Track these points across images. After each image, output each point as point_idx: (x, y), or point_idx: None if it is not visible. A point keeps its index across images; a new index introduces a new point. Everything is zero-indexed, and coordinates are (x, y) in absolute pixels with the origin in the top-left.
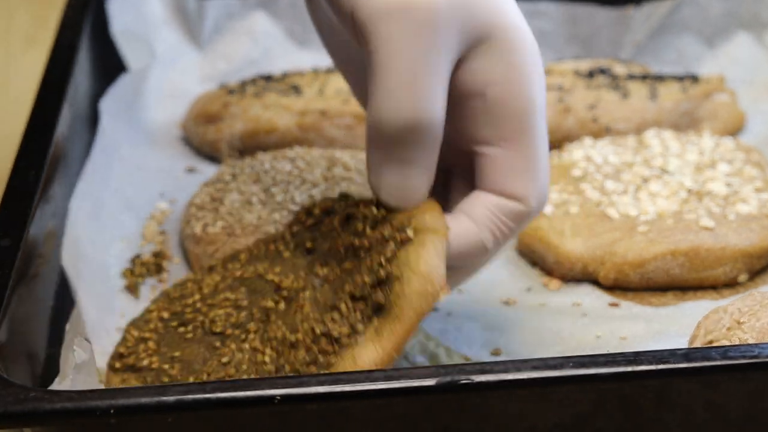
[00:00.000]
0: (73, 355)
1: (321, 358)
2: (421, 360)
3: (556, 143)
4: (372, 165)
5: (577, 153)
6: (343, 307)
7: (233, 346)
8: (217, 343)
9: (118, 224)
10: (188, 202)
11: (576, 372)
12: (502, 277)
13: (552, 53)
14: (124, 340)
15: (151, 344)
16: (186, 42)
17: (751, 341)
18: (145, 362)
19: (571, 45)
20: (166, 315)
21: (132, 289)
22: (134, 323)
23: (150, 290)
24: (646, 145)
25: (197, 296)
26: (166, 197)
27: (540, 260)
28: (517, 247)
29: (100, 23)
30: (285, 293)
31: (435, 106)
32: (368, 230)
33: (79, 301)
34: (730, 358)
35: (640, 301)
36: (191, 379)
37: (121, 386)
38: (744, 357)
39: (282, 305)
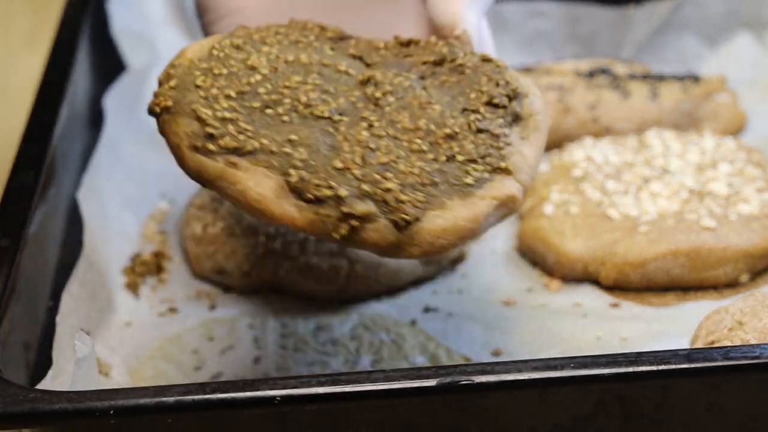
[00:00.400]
0: (70, 348)
1: (493, 151)
2: (421, 360)
3: (557, 143)
4: None
5: (577, 153)
6: (482, 110)
7: (355, 131)
8: (330, 129)
9: (119, 221)
10: (188, 202)
11: (577, 373)
12: (502, 277)
13: (552, 53)
14: (198, 119)
15: (242, 124)
16: (186, 41)
17: (752, 342)
18: (255, 144)
19: (572, 45)
20: (231, 93)
21: (132, 288)
22: (190, 102)
23: (150, 290)
24: (647, 145)
25: (258, 76)
26: (165, 197)
27: (540, 260)
28: (517, 248)
29: (100, 23)
30: (388, 87)
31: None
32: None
33: (78, 294)
34: (732, 358)
35: (641, 301)
36: (336, 163)
37: (236, 172)
38: (745, 358)
39: (392, 98)
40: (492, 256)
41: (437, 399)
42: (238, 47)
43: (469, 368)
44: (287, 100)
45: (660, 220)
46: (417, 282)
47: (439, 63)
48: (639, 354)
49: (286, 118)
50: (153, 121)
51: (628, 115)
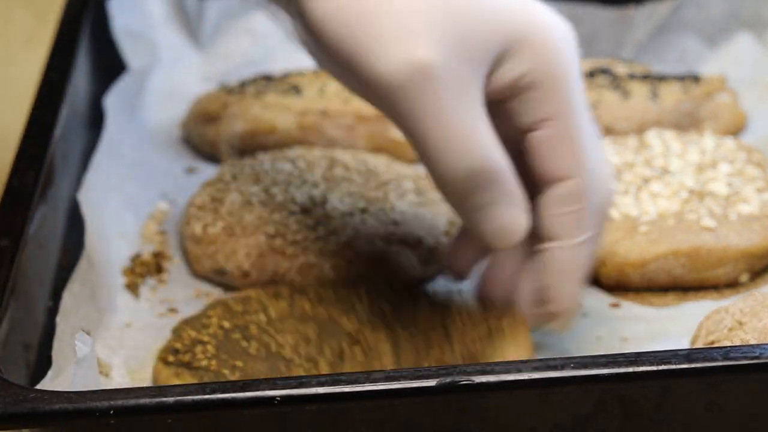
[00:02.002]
0: (70, 348)
1: None
2: None
3: None
4: (464, 218)
5: None
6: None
7: (299, 373)
8: (282, 367)
9: (119, 221)
10: (188, 202)
11: (577, 373)
12: None
13: None
14: (179, 337)
15: (210, 348)
16: (186, 42)
17: (752, 342)
18: (204, 363)
19: None
20: (227, 325)
21: (132, 288)
22: (189, 323)
23: (150, 290)
24: (647, 145)
25: (263, 317)
26: (166, 197)
27: None
28: None
29: (100, 22)
30: (362, 343)
31: (484, 145)
32: (463, 317)
33: (78, 294)
34: (732, 359)
35: (641, 301)
36: None
37: (173, 379)
38: (746, 358)
39: (359, 353)
40: None
41: (437, 399)
42: (276, 294)
43: (469, 368)
44: (266, 338)
45: (660, 220)
46: (417, 282)
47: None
48: (639, 354)
49: (253, 351)
50: (153, 120)
51: (628, 115)
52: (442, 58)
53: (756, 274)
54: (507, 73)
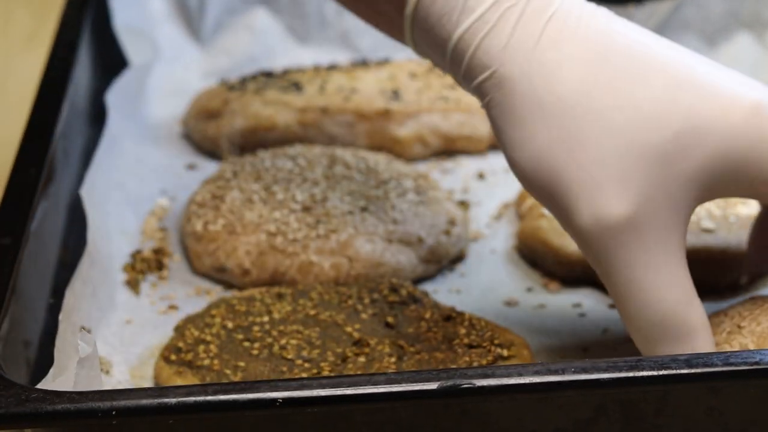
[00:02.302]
0: (72, 346)
1: None
2: None
3: None
4: None
5: None
6: None
7: (302, 375)
8: (284, 368)
9: (120, 218)
10: (189, 199)
11: (578, 377)
12: (502, 277)
13: None
14: (181, 335)
15: (212, 347)
16: (187, 38)
17: (751, 346)
18: (206, 362)
19: None
20: (230, 325)
21: (132, 285)
22: (192, 322)
23: (150, 287)
24: None
25: (266, 318)
26: (166, 194)
27: (540, 261)
28: (517, 248)
29: (101, 19)
30: (367, 350)
31: (675, 299)
32: (470, 337)
33: (80, 292)
34: (732, 364)
35: None
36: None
37: (175, 378)
38: (746, 363)
39: (362, 359)
40: (492, 256)
41: (438, 402)
42: (279, 295)
43: (470, 372)
44: (269, 340)
45: None
46: (417, 281)
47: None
48: (639, 359)
49: (256, 352)
50: (153, 117)
51: None
52: (633, 211)
53: (755, 277)
54: (734, 187)
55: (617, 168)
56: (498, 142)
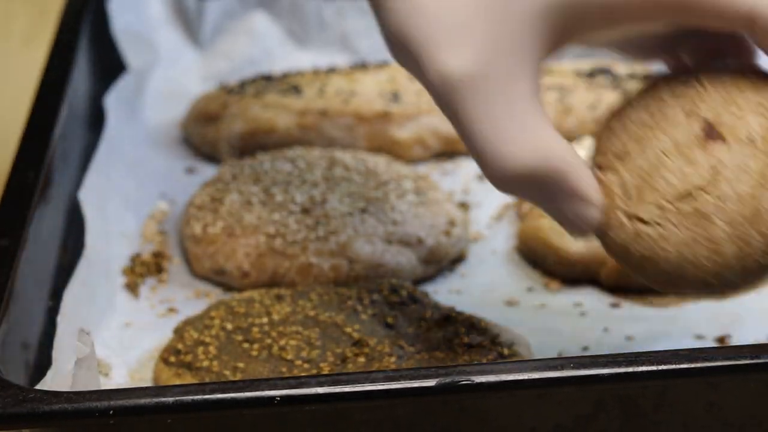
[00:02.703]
0: (71, 348)
1: None
2: None
3: None
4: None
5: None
6: None
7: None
8: (284, 369)
9: (119, 221)
10: (188, 202)
11: (577, 373)
12: (502, 277)
13: None
14: (180, 337)
15: (212, 349)
16: (186, 41)
17: (631, 188)
18: (205, 364)
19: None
20: (229, 326)
21: (132, 288)
22: (191, 324)
23: (149, 290)
24: None
25: (265, 319)
26: (165, 197)
27: (541, 261)
28: (517, 248)
29: (99, 22)
30: (367, 351)
31: (535, 143)
32: (470, 336)
33: (79, 294)
34: (732, 359)
35: (642, 301)
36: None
37: (174, 380)
38: (745, 358)
39: (362, 359)
40: (492, 256)
41: (437, 399)
42: (278, 297)
43: (468, 368)
44: (268, 341)
45: None
46: (417, 282)
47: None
48: (638, 354)
49: (255, 353)
50: (152, 120)
51: None
52: (473, 63)
53: None
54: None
55: (455, 21)
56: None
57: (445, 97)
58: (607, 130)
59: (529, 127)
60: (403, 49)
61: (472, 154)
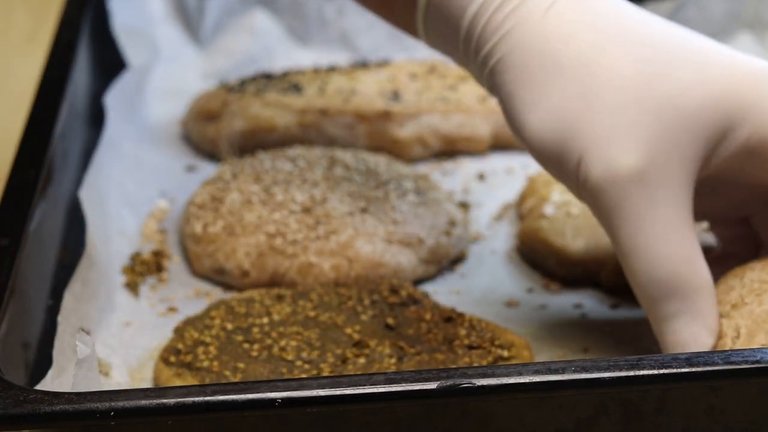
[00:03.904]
0: (71, 348)
1: None
2: None
3: None
4: (653, 326)
5: None
6: None
7: (302, 377)
8: (284, 370)
9: (119, 220)
10: (188, 200)
11: (578, 376)
12: (502, 278)
13: None
14: (180, 337)
15: (212, 349)
16: (186, 39)
17: (743, 330)
18: (205, 364)
19: None
20: (230, 326)
21: (132, 287)
22: (192, 324)
23: (149, 289)
24: None
25: (266, 320)
26: (165, 195)
27: (541, 261)
28: (517, 248)
29: (100, 20)
30: (367, 352)
31: (680, 255)
32: (470, 338)
33: (79, 293)
34: (732, 363)
35: None
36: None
37: (174, 380)
38: (746, 362)
39: (362, 360)
40: (492, 257)
41: (438, 402)
42: (278, 297)
43: (470, 371)
44: (269, 341)
45: None
46: (417, 282)
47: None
48: (639, 358)
49: (255, 353)
50: (153, 118)
51: None
52: (644, 163)
53: None
54: (732, 143)
55: (629, 120)
56: (506, 110)
57: (610, 193)
58: (725, 285)
59: (684, 235)
60: (560, 142)
61: (623, 252)
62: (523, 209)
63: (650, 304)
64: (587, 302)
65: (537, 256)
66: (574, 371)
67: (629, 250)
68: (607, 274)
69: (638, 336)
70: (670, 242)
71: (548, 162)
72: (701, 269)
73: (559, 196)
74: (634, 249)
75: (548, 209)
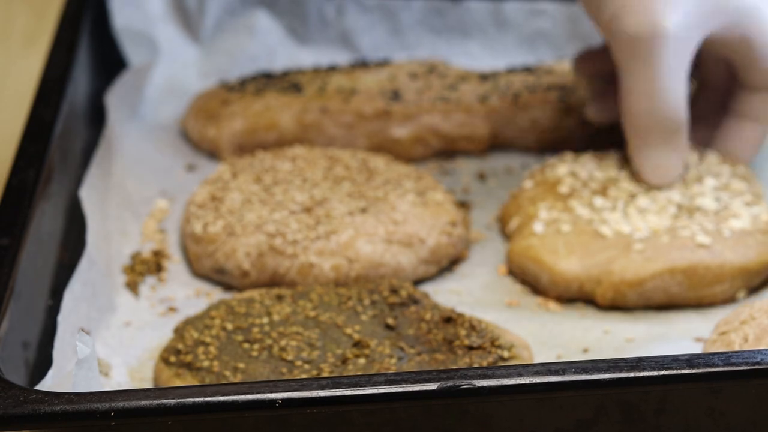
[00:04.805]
0: (71, 348)
1: None
2: None
3: (558, 143)
4: (634, 152)
5: (560, 169)
6: None
7: (302, 377)
8: (284, 370)
9: (119, 219)
10: (188, 200)
11: (578, 377)
12: (502, 278)
13: (553, 52)
14: (181, 337)
15: (212, 349)
16: (186, 39)
17: (750, 336)
18: (205, 364)
19: (572, 44)
20: (230, 326)
21: (132, 287)
22: (192, 324)
23: (149, 289)
24: (629, 160)
25: (266, 320)
26: (165, 195)
27: (533, 280)
28: (508, 268)
29: (100, 20)
30: (367, 352)
31: (679, 105)
32: (470, 338)
33: (79, 293)
34: (733, 364)
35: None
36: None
37: (174, 379)
38: (746, 363)
39: (362, 361)
40: (492, 257)
41: (438, 403)
42: (278, 297)
43: (470, 372)
44: (268, 341)
45: (654, 237)
46: (417, 282)
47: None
48: (640, 359)
49: (255, 353)
50: (153, 117)
51: None
52: (679, 23)
53: (752, 291)
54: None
55: None
56: None
57: (645, 44)
58: (735, 311)
59: (683, 86)
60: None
61: (637, 95)
62: (510, 228)
63: (642, 133)
64: (587, 302)
65: (528, 275)
66: (574, 372)
67: (646, 91)
68: (603, 293)
69: (638, 337)
70: (679, 89)
71: (588, 5)
72: (685, 112)
73: (547, 213)
74: (651, 91)
75: (537, 227)
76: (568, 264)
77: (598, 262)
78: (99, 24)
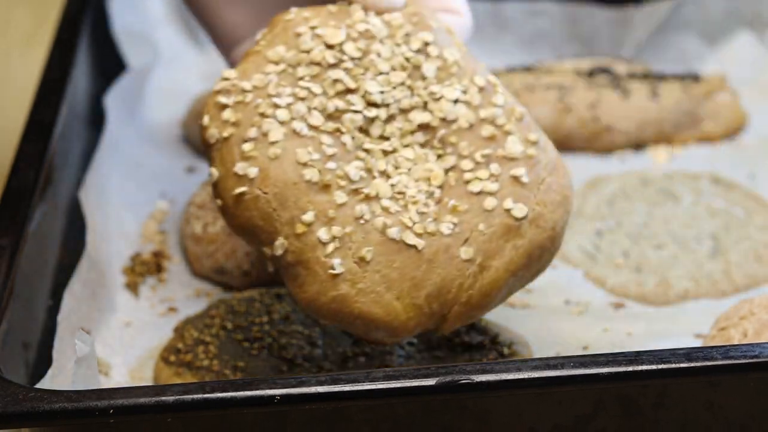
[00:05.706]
0: (71, 347)
1: None
2: None
3: (557, 143)
4: None
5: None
6: None
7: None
8: (284, 368)
9: (119, 221)
10: (188, 201)
11: (576, 372)
12: None
13: (553, 52)
14: (180, 336)
15: (212, 348)
16: (186, 41)
17: (750, 331)
18: (205, 363)
19: (572, 44)
20: (229, 325)
21: (132, 287)
22: (191, 323)
23: (149, 289)
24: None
25: (266, 318)
26: (165, 196)
27: (362, 334)
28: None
29: (100, 22)
30: (367, 350)
31: None
32: (470, 336)
33: (79, 294)
34: (731, 357)
35: (642, 300)
36: None
37: (174, 379)
38: (745, 357)
39: (363, 359)
40: None
41: (437, 398)
42: (278, 296)
43: (468, 367)
44: (269, 340)
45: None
46: None
47: None
48: (638, 353)
49: (255, 352)
50: (153, 120)
51: (628, 114)
52: None
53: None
54: None
55: None
56: None
57: None
58: (735, 307)
59: None
60: None
61: None
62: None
63: None
64: (589, 301)
65: (355, 329)
66: (573, 367)
67: None
68: (450, 325)
69: (638, 334)
70: None
71: None
72: None
73: (325, 234)
74: None
75: (334, 260)
76: (400, 308)
77: (433, 290)
78: (99, 25)
